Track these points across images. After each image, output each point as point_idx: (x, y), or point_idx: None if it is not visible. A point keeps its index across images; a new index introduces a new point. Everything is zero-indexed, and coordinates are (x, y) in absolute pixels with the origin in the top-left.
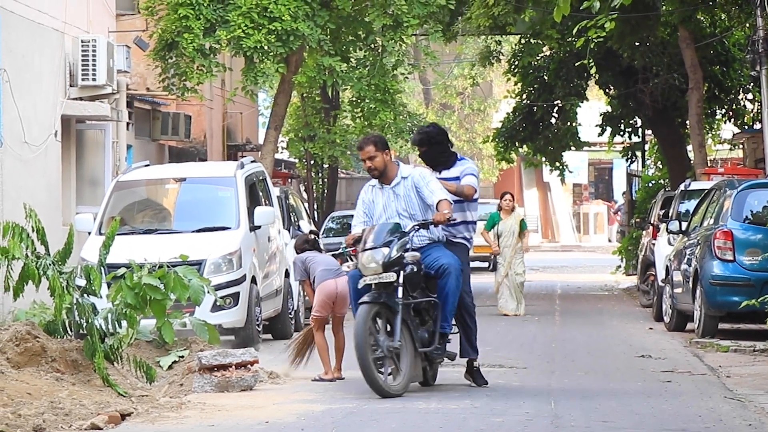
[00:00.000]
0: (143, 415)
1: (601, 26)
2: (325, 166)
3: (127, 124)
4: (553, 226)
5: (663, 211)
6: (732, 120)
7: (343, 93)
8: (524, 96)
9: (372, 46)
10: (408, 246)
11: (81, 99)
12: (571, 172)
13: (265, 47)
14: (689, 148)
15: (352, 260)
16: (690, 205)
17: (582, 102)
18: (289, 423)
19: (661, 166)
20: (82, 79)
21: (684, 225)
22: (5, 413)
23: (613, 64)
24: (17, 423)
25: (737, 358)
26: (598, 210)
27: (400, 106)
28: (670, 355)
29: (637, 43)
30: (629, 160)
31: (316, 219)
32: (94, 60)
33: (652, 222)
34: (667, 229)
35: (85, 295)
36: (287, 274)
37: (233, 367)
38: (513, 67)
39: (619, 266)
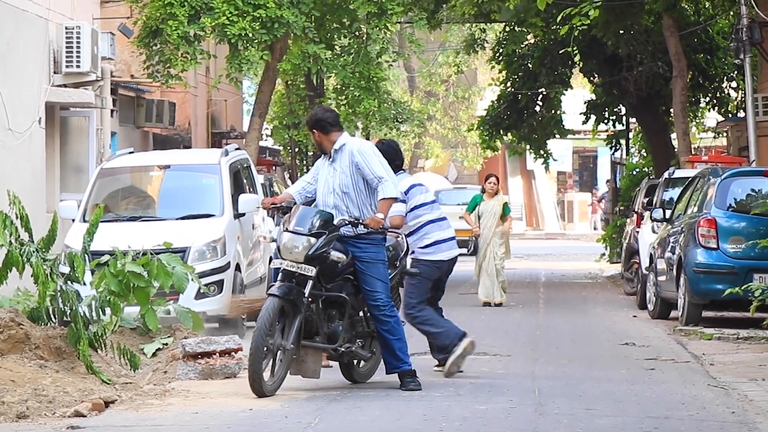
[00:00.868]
0: (127, 403)
1: (585, 14)
2: (310, 153)
3: (112, 111)
4: (538, 214)
5: (647, 199)
6: (716, 108)
7: (328, 80)
8: (509, 84)
9: (356, 33)
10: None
11: (65, 86)
12: (555, 160)
13: (250, 34)
14: (673, 136)
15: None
16: (674, 193)
17: (566, 90)
18: (273, 410)
19: (645, 154)
20: (67, 66)
21: (668, 213)
22: None
23: (597, 52)
24: (0, 410)
25: (721, 346)
26: (583, 198)
27: (384, 93)
28: (653, 342)
29: (621, 31)
30: (613, 148)
31: None
32: (78, 47)
33: (636, 210)
34: (651, 217)
35: (69, 282)
36: (271, 261)
37: (217, 354)
38: (497, 54)
39: (603, 254)
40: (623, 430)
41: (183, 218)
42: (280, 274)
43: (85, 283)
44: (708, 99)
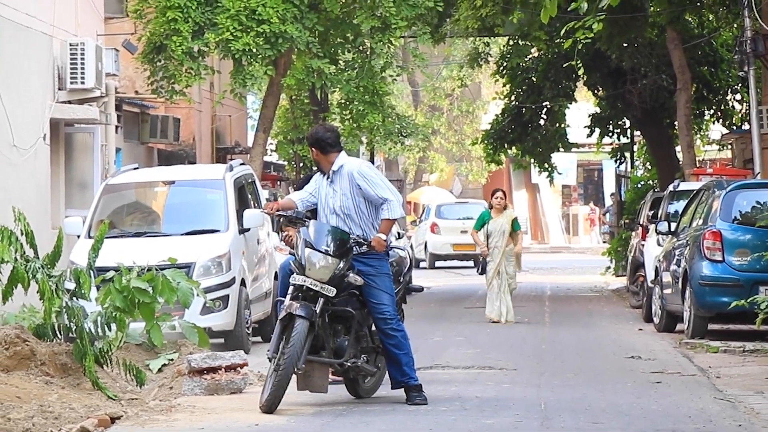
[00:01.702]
0: (133, 419)
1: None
2: (314, 168)
3: (116, 127)
4: (543, 228)
5: (652, 211)
6: (720, 120)
7: (332, 95)
8: (513, 97)
9: (360, 48)
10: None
11: (70, 102)
12: (560, 173)
13: (254, 50)
14: (678, 148)
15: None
16: (679, 205)
17: (570, 103)
18: (279, 425)
19: (649, 167)
20: (71, 83)
21: (673, 226)
22: None
23: (601, 65)
24: (6, 427)
25: (727, 359)
26: (587, 212)
27: (388, 108)
28: (659, 356)
29: (625, 44)
30: (618, 161)
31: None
32: (82, 63)
33: (641, 223)
34: (656, 229)
35: (74, 298)
36: (276, 277)
37: (223, 369)
38: (501, 68)
39: (609, 267)
40: None
41: (188, 234)
42: (293, 289)
43: (90, 299)
44: (712, 111)
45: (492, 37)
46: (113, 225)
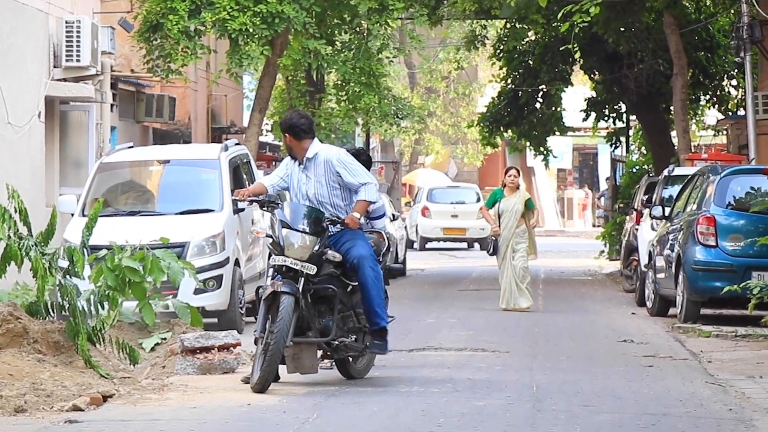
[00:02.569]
0: (125, 397)
1: (586, 11)
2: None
3: (111, 105)
4: (537, 211)
5: (646, 196)
6: (716, 106)
7: (328, 76)
8: (509, 80)
9: (357, 29)
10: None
11: (65, 80)
12: (555, 157)
13: (250, 29)
14: (673, 133)
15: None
16: (673, 190)
17: (567, 87)
18: (271, 405)
19: (645, 152)
20: (66, 60)
21: (667, 210)
22: None
23: (598, 50)
24: None
25: (719, 344)
26: (582, 196)
27: (384, 89)
28: (652, 339)
29: (622, 29)
30: (613, 146)
31: None
32: (78, 41)
33: (635, 207)
34: (650, 214)
35: (67, 276)
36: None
37: (216, 349)
38: (498, 51)
39: (603, 251)
40: (621, 426)
41: (182, 213)
42: (273, 270)
43: (83, 278)
44: (708, 97)
45: (489, 20)
46: (107, 203)
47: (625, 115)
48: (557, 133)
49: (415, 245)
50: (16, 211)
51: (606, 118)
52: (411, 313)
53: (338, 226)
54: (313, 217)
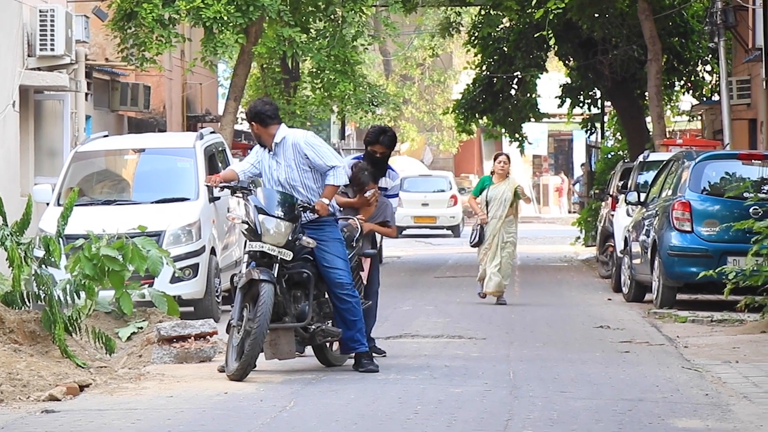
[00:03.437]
0: (102, 387)
1: None
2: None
3: (86, 94)
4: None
5: (622, 182)
6: (690, 92)
7: (303, 64)
8: (484, 67)
9: (332, 17)
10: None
11: (39, 69)
12: (530, 143)
13: (225, 18)
14: (648, 119)
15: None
16: (648, 176)
17: (541, 73)
18: (248, 393)
19: (620, 138)
20: (41, 49)
21: (642, 196)
22: None
23: (572, 36)
24: None
25: (695, 329)
26: (558, 182)
27: (360, 77)
28: (628, 325)
29: (596, 15)
30: (588, 132)
31: None
32: (52, 30)
33: (611, 193)
34: (625, 200)
35: (43, 265)
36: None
37: (192, 338)
38: (473, 38)
39: (578, 237)
40: (597, 412)
41: (158, 202)
42: (248, 257)
43: (60, 267)
44: (683, 82)
45: (463, 7)
46: (83, 193)
47: (599, 101)
48: (532, 119)
49: None
50: None
51: (581, 105)
52: (387, 300)
53: (309, 212)
54: (287, 203)
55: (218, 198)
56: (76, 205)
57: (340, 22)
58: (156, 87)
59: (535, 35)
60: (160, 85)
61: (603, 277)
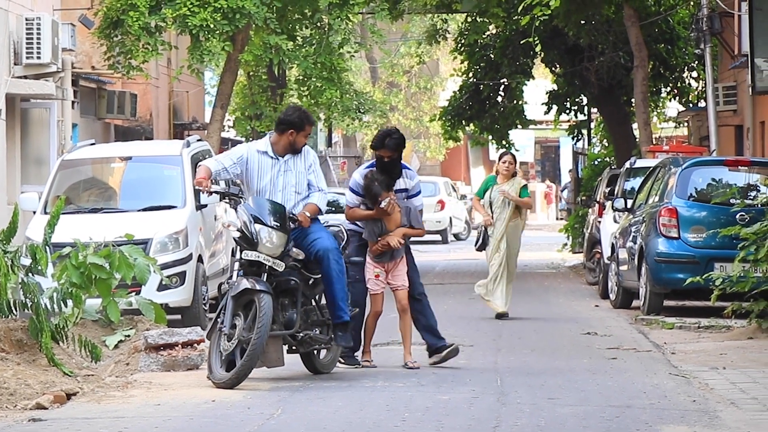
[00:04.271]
0: (89, 395)
1: (546, 4)
2: None
3: (73, 102)
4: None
5: (609, 188)
6: (677, 98)
7: (290, 71)
8: (471, 74)
9: (318, 24)
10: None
11: (26, 77)
12: (517, 150)
13: (211, 25)
14: (635, 126)
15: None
16: (635, 182)
17: (528, 80)
18: (235, 401)
19: (606, 144)
20: (27, 58)
21: (629, 202)
22: None
23: (558, 43)
24: None
25: (682, 335)
26: (544, 188)
27: (346, 84)
28: (615, 332)
29: (582, 22)
30: (575, 139)
31: None
32: (38, 38)
33: (597, 200)
34: (612, 206)
35: (30, 274)
36: (233, 253)
37: (179, 346)
38: (459, 45)
39: (566, 244)
40: (585, 419)
41: (145, 210)
42: (239, 265)
43: (46, 275)
44: (669, 89)
45: (450, 14)
46: (69, 201)
47: (586, 108)
48: (519, 126)
49: None
50: None
51: (567, 111)
52: None
53: (296, 223)
54: (278, 212)
55: (205, 206)
56: (62, 213)
57: (326, 29)
58: (143, 95)
59: (522, 42)
60: (146, 93)
61: (590, 284)
